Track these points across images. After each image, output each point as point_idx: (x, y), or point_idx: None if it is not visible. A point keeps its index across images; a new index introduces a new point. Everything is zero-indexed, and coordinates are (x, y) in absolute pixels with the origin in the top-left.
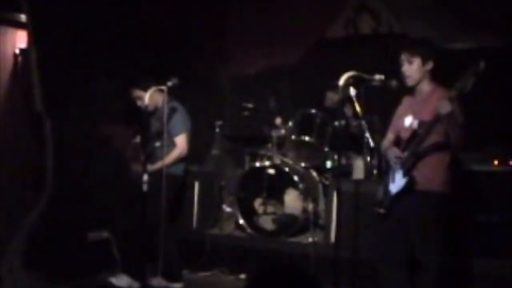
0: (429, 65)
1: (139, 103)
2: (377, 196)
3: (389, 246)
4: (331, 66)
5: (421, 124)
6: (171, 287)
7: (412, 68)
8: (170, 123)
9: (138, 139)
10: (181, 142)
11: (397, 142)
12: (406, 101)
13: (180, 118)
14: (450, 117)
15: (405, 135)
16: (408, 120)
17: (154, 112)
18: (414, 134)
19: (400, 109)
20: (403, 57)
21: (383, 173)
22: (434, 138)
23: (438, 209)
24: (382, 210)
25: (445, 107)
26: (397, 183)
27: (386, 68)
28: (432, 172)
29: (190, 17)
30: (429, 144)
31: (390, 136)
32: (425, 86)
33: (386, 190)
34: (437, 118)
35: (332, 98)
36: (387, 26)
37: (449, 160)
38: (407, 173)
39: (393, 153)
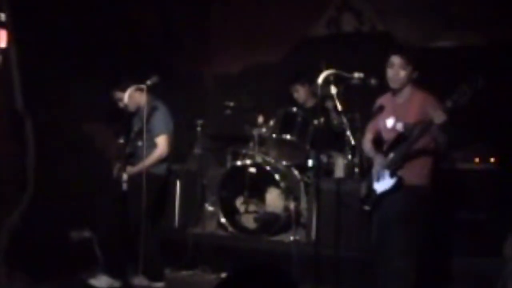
0: (415, 75)
1: (120, 104)
2: (361, 193)
3: (380, 242)
4: (314, 64)
5: (407, 127)
6: (152, 286)
7: (403, 73)
8: (151, 122)
9: (122, 139)
10: (161, 143)
11: (376, 141)
12: (386, 101)
13: (161, 118)
14: (442, 126)
15: (388, 136)
16: (390, 122)
17: (137, 112)
18: (400, 136)
19: (379, 109)
20: (398, 60)
21: (365, 171)
22: (422, 141)
23: (421, 202)
24: (367, 207)
25: (440, 117)
26: (383, 182)
27: (370, 67)
28: (418, 169)
29: (172, 16)
30: (418, 148)
31: (369, 136)
32: (406, 90)
33: (370, 188)
34: (429, 126)
35: (299, 92)
36: (370, 25)
37: (433, 159)
38: (394, 173)
39: (379, 160)
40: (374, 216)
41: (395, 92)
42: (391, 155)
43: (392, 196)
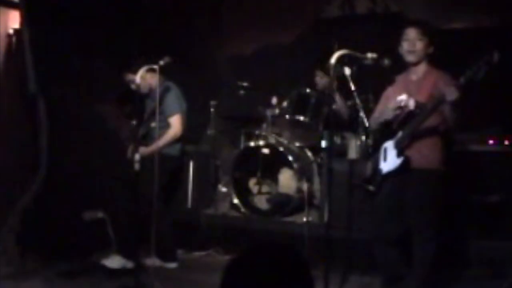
0: (431, 49)
1: (133, 86)
2: (366, 173)
3: (383, 223)
4: (327, 45)
5: (418, 105)
6: (165, 267)
7: (420, 45)
8: (164, 103)
9: (134, 121)
10: (175, 123)
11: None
12: (398, 80)
13: (174, 98)
14: (454, 103)
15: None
16: (402, 99)
17: (149, 93)
18: (410, 114)
19: (392, 87)
20: (413, 32)
21: (372, 150)
22: (432, 120)
23: (437, 187)
24: (371, 188)
25: (453, 94)
26: (389, 162)
27: (383, 48)
28: (429, 151)
29: None
30: (428, 126)
31: (377, 115)
32: (422, 67)
33: (376, 168)
34: (440, 103)
35: (322, 79)
36: (383, 6)
37: (444, 139)
38: (401, 153)
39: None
40: (380, 197)
41: (410, 68)
42: (400, 133)
43: (402, 179)
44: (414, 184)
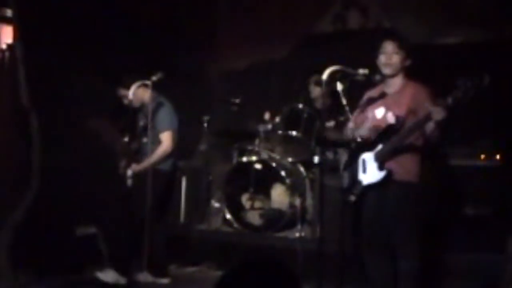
0: (408, 62)
1: (125, 101)
2: (344, 183)
3: (371, 234)
4: (319, 61)
5: (399, 119)
6: (157, 283)
7: (396, 58)
8: (156, 118)
9: (126, 136)
10: (165, 139)
11: None
12: (375, 93)
13: (166, 114)
14: (439, 123)
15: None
16: (380, 112)
17: (141, 108)
18: (390, 128)
19: (369, 101)
20: (390, 45)
21: (348, 161)
22: (413, 136)
23: (417, 199)
24: (353, 198)
25: (440, 114)
26: (370, 174)
27: (375, 64)
28: (410, 164)
29: (178, 11)
30: (409, 142)
31: (351, 125)
32: (398, 80)
33: (355, 179)
34: (425, 121)
35: (316, 88)
36: (376, 21)
37: (422, 156)
38: (383, 166)
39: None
40: (365, 208)
41: (386, 81)
42: (380, 146)
43: (382, 190)
44: (395, 196)
